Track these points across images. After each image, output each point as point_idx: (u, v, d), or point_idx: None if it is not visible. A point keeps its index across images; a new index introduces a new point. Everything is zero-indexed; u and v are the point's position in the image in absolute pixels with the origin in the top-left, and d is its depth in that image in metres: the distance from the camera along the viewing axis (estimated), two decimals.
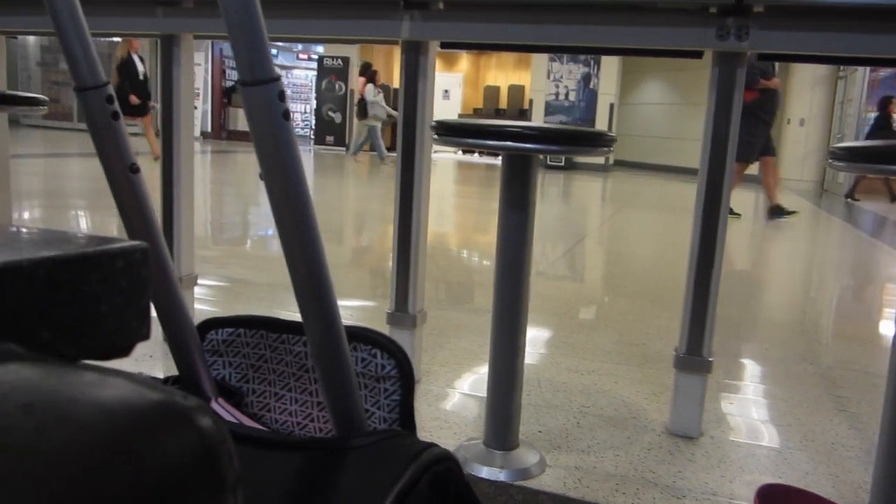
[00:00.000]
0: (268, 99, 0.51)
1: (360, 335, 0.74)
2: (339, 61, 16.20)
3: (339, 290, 3.23)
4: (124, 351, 0.36)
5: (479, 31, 2.04)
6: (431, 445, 0.61)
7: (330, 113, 16.47)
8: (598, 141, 1.54)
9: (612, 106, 15.02)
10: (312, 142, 17.17)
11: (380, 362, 0.73)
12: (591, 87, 15.05)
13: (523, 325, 1.69)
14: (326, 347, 0.59)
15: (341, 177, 11.14)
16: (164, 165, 2.41)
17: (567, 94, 15.15)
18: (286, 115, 0.52)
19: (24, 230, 0.39)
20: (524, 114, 16.51)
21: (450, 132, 1.60)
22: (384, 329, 2.28)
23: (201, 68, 16.20)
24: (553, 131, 1.54)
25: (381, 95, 13.01)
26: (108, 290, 0.35)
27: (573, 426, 2.02)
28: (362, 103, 13.03)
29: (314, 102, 17.37)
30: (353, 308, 3.19)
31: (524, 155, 1.58)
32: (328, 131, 16.54)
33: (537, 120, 15.07)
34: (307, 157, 15.23)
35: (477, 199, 8.78)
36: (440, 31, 2.06)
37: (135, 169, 0.67)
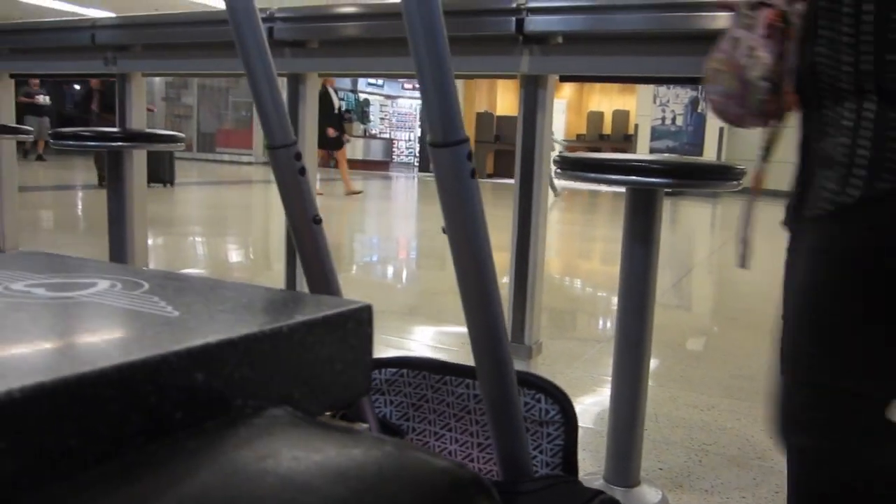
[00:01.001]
0: (457, 159, 0.54)
1: (524, 380, 0.76)
2: None
3: (445, 317, 3.27)
4: (349, 405, 0.39)
5: (598, 64, 2.05)
6: (599, 493, 0.62)
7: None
8: (728, 175, 1.52)
9: (721, 130, 14.60)
10: (416, 169, 17.48)
11: (544, 407, 0.75)
12: (699, 111, 14.68)
13: (647, 360, 1.67)
14: (498, 393, 0.61)
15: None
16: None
17: (674, 119, 14.84)
18: (473, 173, 0.55)
19: (260, 292, 0.43)
20: (629, 139, 16.26)
21: (573, 166, 1.61)
22: None
23: None
24: (680, 165, 1.53)
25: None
26: (342, 348, 0.38)
27: (695, 464, 1.97)
28: None
29: (418, 130, 17.70)
30: (462, 336, 3.22)
31: (649, 189, 1.57)
32: None
33: (642, 145, 14.81)
34: (412, 183, 15.51)
35: (581, 226, 8.70)
36: (559, 65, 2.08)
37: (317, 220, 0.72)
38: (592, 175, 1.58)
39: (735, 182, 1.53)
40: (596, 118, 18.40)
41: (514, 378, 0.62)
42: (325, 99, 9.84)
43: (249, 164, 17.52)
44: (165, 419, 0.31)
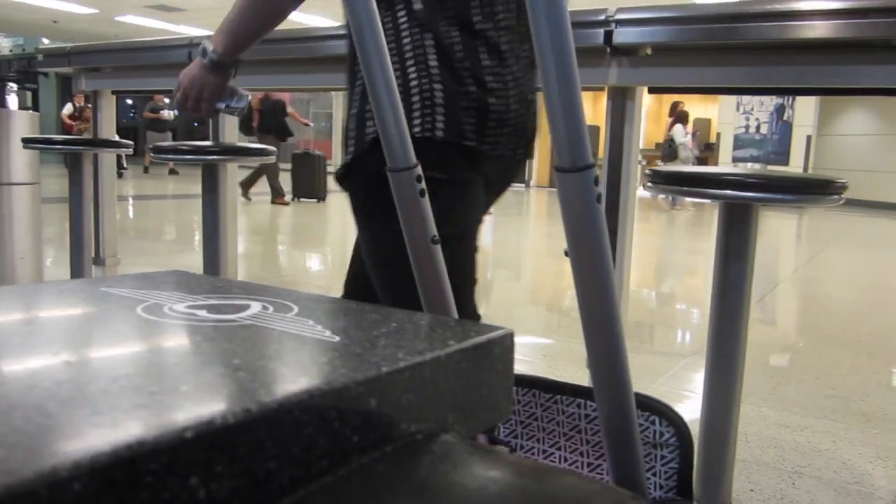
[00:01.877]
0: (584, 184, 0.54)
1: (639, 402, 0.75)
2: None
3: (523, 328, 3.25)
4: (491, 430, 0.41)
5: (687, 76, 2.03)
6: None
7: None
8: (829, 189, 1.47)
9: (808, 138, 14.09)
10: None
11: (658, 429, 0.74)
12: (784, 118, 14.22)
13: (740, 378, 1.63)
14: (616, 415, 0.61)
15: (520, 214, 11.24)
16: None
17: (758, 127, 14.41)
18: (599, 198, 0.56)
19: (404, 316, 0.45)
20: (710, 148, 15.86)
21: (665, 180, 1.59)
22: (584, 374, 2.27)
23: None
24: (778, 179, 1.49)
25: (690, 137, 11.85)
26: (490, 373, 0.40)
27: (788, 487, 1.90)
28: (669, 144, 11.87)
29: None
30: (540, 347, 3.21)
31: (745, 204, 1.54)
32: None
33: (725, 155, 14.43)
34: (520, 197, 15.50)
35: (657, 237, 8.53)
36: (648, 77, 2.06)
37: (435, 241, 0.74)
38: (686, 189, 1.55)
39: (836, 197, 1.48)
40: None
41: (633, 400, 0.62)
42: None
43: (329, 173, 17.85)
44: (345, 443, 0.33)
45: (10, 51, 22.84)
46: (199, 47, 1.42)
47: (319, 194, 10.49)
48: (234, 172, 3.06)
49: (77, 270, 3.00)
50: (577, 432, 0.79)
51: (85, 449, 0.25)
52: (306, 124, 12.33)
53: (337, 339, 0.40)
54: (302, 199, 10.49)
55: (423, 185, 0.72)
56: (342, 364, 0.36)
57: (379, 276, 1.22)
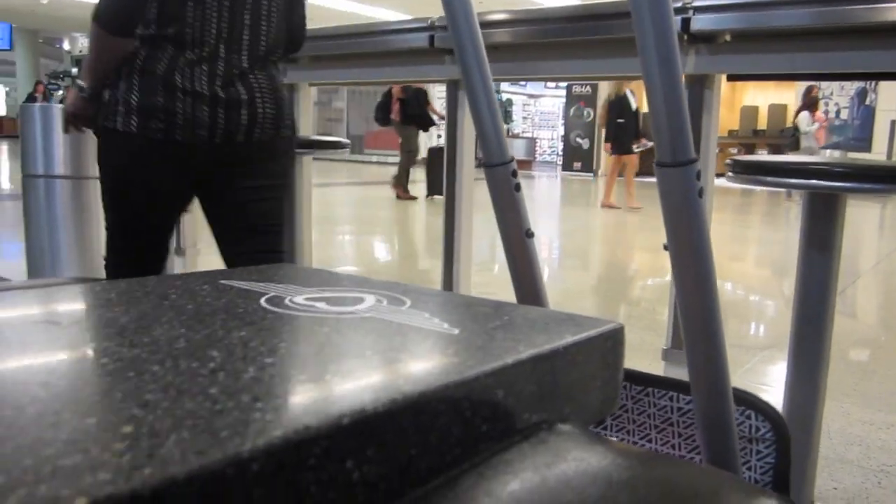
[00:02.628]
0: (687, 179, 0.54)
1: (735, 396, 0.75)
2: (588, 88, 16.24)
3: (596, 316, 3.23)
4: (600, 422, 0.42)
5: (767, 62, 1.97)
6: None
7: (577, 139, 16.55)
8: None
9: (893, 123, 13.49)
10: (560, 168, 17.35)
11: (754, 423, 0.74)
12: (867, 103, 13.65)
13: (824, 372, 1.59)
14: (713, 409, 0.61)
15: (587, 205, 11.11)
16: (448, 198, 2.59)
17: (838, 113, 13.87)
18: (700, 193, 0.56)
19: (513, 308, 0.46)
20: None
21: (747, 170, 1.56)
22: (658, 365, 2.25)
23: None
24: (866, 168, 1.44)
25: (817, 126, 11.21)
26: (601, 366, 0.41)
27: (874, 486, 1.85)
28: (793, 133, 11.45)
29: (561, 129, 17.56)
30: None
31: (830, 194, 1.49)
32: (575, 157, 16.64)
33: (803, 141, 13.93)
34: (554, 182, 15.41)
35: (731, 227, 8.32)
36: (726, 64, 2.02)
37: (529, 234, 0.75)
38: (769, 179, 1.52)
39: None
40: (750, 113, 17.51)
41: (731, 395, 0.61)
42: (621, 102, 9.29)
43: (395, 164, 18.01)
44: (476, 432, 0.34)
45: (80, 52, 23.79)
46: (78, 87, 1.79)
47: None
48: (309, 164, 3.12)
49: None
50: (668, 425, 0.79)
51: (259, 433, 0.28)
52: (442, 117, 12.14)
53: (456, 331, 0.42)
54: (436, 197, 9.27)
55: (517, 179, 0.74)
56: (469, 356, 0.37)
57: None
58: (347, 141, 2.69)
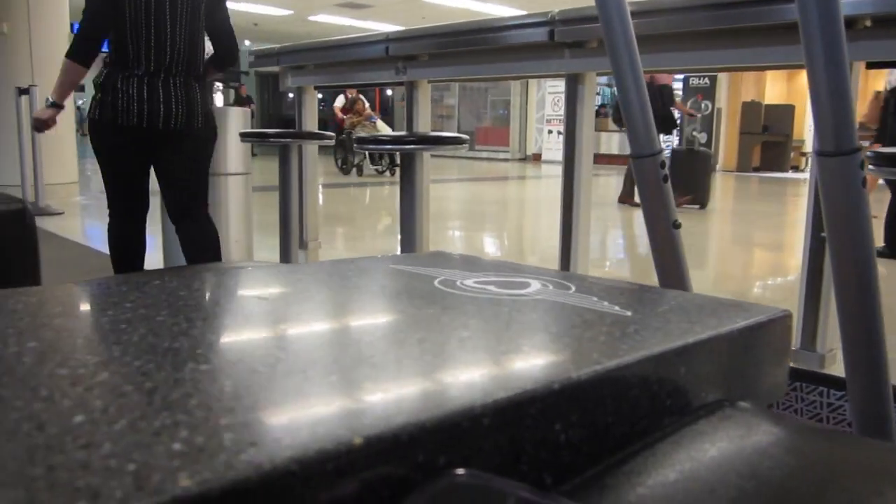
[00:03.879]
0: (850, 169, 0.53)
1: None
2: (706, 80, 15.68)
3: None
4: (770, 405, 0.42)
5: None
6: None
7: (694, 133, 16.02)
8: None
9: None
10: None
11: None
12: None
13: None
14: (871, 405, 0.60)
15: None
16: (565, 193, 2.59)
17: None
18: (864, 182, 0.54)
19: (677, 295, 0.48)
20: None
21: (889, 162, 1.48)
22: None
23: None
24: None
25: None
26: (770, 351, 0.41)
27: None
28: None
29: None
30: None
31: None
32: None
33: None
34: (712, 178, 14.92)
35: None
36: (866, 51, 1.92)
37: (676, 225, 0.76)
38: None
39: None
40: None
41: (890, 392, 0.60)
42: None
43: (506, 160, 18.06)
44: (661, 406, 0.36)
45: None
46: (47, 100, 2.99)
47: (702, 199, 8.30)
48: (426, 161, 3.18)
49: (286, 253, 3.27)
50: (817, 420, 0.77)
51: (487, 392, 0.30)
52: (692, 115, 10.77)
53: (629, 313, 0.43)
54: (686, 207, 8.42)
55: (666, 171, 0.74)
56: (650, 335, 0.39)
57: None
58: (466, 137, 2.73)
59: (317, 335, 0.40)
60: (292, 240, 3.29)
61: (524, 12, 2.75)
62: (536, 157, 17.56)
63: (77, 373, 0.31)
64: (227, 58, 2.99)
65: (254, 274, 0.51)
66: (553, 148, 17.39)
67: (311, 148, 3.92)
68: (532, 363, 0.36)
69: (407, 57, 3.15)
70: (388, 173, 11.64)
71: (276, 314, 0.44)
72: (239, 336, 0.39)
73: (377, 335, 0.39)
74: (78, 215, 7.13)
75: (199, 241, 2.95)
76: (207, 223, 2.98)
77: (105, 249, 3.27)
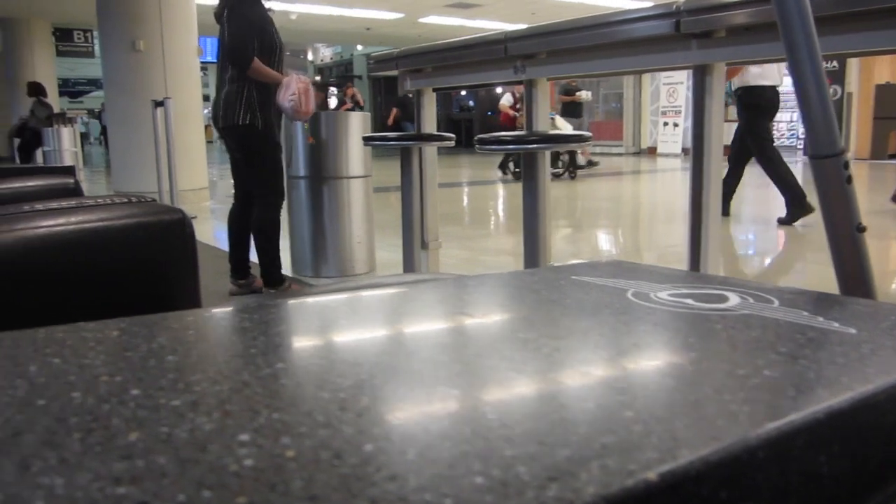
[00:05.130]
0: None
1: None
2: (834, 63, 14.81)
3: None
4: None
5: None
6: None
7: None
8: None
9: None
10: (801, 152, 16.01)
11: None
12: None
13: None
14: None
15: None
16: (694, 189, 2.50)
17: None
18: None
19: (865, 305, 0.45)
20: None
21: None
22: None
23: (683, 86, 16.38)
24: None
25: None
26: None
27: None
28: None
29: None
30: None
31: None
32: None
33: None
34: (797, 169, 14.20)
35: None
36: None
37: (861, 229, 0.72)
38: None
39: None
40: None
41: None
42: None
43: (619, 154, 17.70)
44: None
45: (331, 58, 25.79)
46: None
47: None
48: (544, 158, 3.16)
49: (408, 254, 3.33)
50: None
51: (756, 423, 0.30)
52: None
53: (853, 331, 0.41)
54: None
55: (850, 171, 0.70)
56: (892, 356, 0.37)
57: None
58: (589, 135, 2.69)
59: (556, 359, 0.39)
60: (415, 240, 3.34)
61: (642, 4, 2.69)
62: (651, 151, 17.10)
63: (338, 396, 0.32)
64: (230, 57, 3.53)
65: (447, 288, 0.51)
66: (669, 140, 16.88)
67: (430, 150, 3.97)
68: (786, 390, 0.34)
69: (525, 55, 3.14)
70: (567, 175, 10.75)
71: (501, 333, 0.43)
72: (483, 358, 0.38)
73: (612, 360, 0.38)
74: (210, 219, 7.54)
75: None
76: (257, 211, 3.65)
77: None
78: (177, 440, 0.27)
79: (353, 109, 14.30)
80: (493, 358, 0.38)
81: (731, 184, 6.35)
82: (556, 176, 10.68)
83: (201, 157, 10.09)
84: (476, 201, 9.29)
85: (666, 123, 16.78)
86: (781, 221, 6.13)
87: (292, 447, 0.27)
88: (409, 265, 3.32)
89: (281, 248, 3.75)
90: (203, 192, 9.72)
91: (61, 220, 1.28)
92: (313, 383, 0.33)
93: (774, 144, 6.45)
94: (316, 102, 3.72)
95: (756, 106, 6.19)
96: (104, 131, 23.05)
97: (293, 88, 3.57)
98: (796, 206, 5.97)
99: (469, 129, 19.11)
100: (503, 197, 9.58)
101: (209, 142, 11.29)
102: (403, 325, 0.44)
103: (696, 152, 2.51)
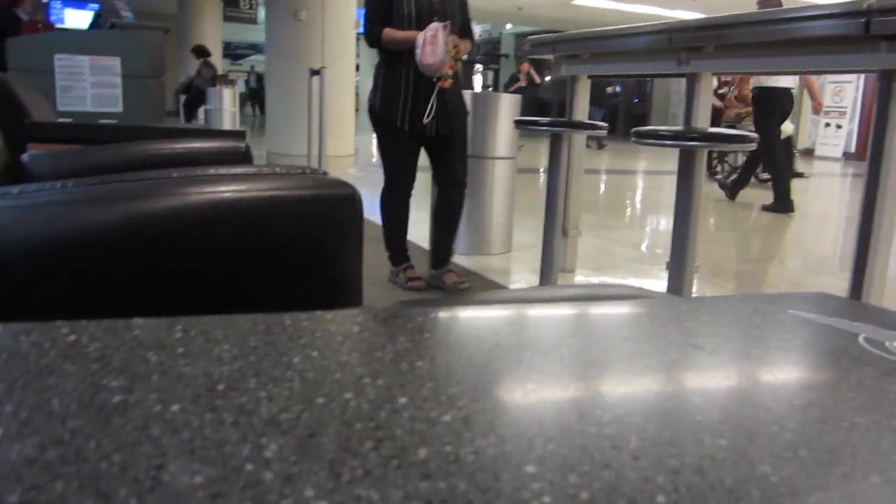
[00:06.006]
0: None
1: None
2: None
3: None
4: None
5: None
6: None
7: None
8: None
9: None
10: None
11: None
12: None
13: None
14: None
15: None
16: (867, 200, 2.34)
17: None
18: None
19: None
20: None
21: None
22: None
23: (851, 86, 15.23)
24: None
25: None
26: None
27: None
28: None
29: None
30: None
31: None
32: None
33: None
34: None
35: None
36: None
37: None
38: None
39: None
40: None
41: None
42: None
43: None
44: None
45: (480, 36, 25.82)
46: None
47: None
48: (700, 157, 3.05)
49: (548, 241, 3.31)
50: None
51: None
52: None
53: None
54: None
55: None
56: None
57: None
58: (755, 135, 2.56)
59: (822, 417, 0.37)
60: (556, 227, 3.32)
61: (824, 1, 2.52)
62: (809, 152, 16.07)
63: (605, 432, 0.32)
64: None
65: (661, 310, 0.50)
66: (829, 143, 15.78)
67: (578, 137, 3.92)
68: None
69: (691, 48, 3.02)
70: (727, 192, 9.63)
71: (747, 376, 0.41)
72: (744, 407, 0.36)
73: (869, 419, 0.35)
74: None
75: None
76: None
77: (373, 219, 3.56)
78: (466, 463, 0.28)
79: (526, 89, 13.16)
80: (752, 408, 0.35)
81: (747, 172, 7.45)
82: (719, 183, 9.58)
83: (349, 125, 10.43)
84: (615, 190, 9.09)
85: (828, 124, 15.68)
86: (765, 208, 6.98)
87: (584, 488, 0.27)
88: (548, 252, 3.30)
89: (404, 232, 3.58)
90: (348, 158, 10.06)
91: (243, 187, 1.35)
92: (575, 413, 0.33)
93: (781, 146, 7.18)
94: (450, 48, 3.19)
95: (763, 105, 6.84)
96: (252, 94, 24.14)
97: (419, 41, 3.15)
98: (780, 201, 6.82)
99: (613, 115, 18.68)
100: (643, 189, 9.32)
101: (357, 110, 11.61)
102: (638, 355, 0.43)
103: (874, 164, 2.34)
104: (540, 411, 0.33)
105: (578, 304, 0.63)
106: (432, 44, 3.12)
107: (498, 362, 0.40)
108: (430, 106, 3.26)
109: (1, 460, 0.25)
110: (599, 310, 0.54)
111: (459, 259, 3.94)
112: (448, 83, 3.30)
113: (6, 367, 0.34)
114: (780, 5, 5.91)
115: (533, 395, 0.36)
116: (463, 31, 3.47)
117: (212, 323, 0.42)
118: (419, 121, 3.28)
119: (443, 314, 0.46)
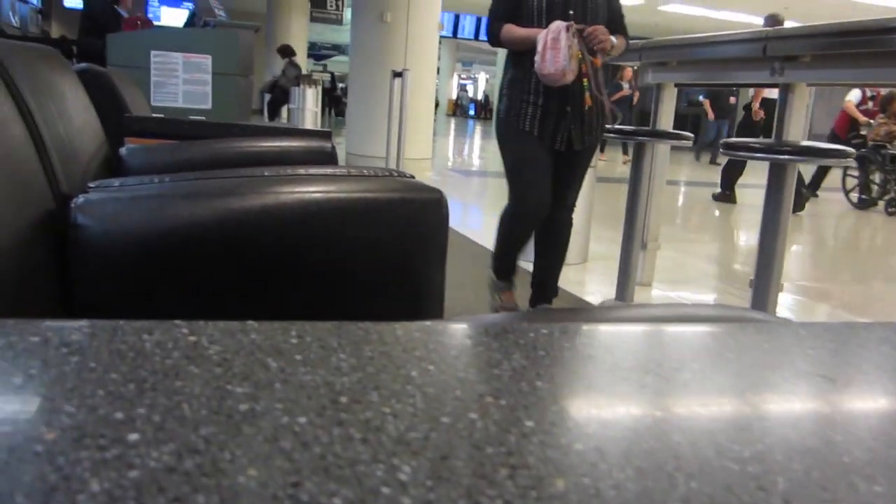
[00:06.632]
0: None
1: None
2: None
3: None
4: None
5: None
6: None
7: None
8: None
9: None
10: None
11: None
12: None
13: None
14: None
15: None
16: None
17: None
18: None
19: None
20: None
21: None
22: None
23: None
24: None
25: None
26: None
27: None
28: None
29: None
30: None
31: None
32: None
33: None
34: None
35: None
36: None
37: None
38: None
39: None
40: None
41: None
42: None
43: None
44: None
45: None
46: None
47: None
48: (793, 171, 2.94)
49: (626, 252, 3.25)
50: None
51: None
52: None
53: None
54: None
55: None
56: None
57: None
58: (850, 150, 2.45)
59: None
60: (636, 238, 3.25)
61: None
62: None
63: (747, 470, 0.30)
64: None
65: (779, 335, 0.48)
66: None
67: (662, 147, 3.83)
68: None
69: (787, 57, 2.92)
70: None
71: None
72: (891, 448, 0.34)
73: None
74: None
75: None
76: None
77: (453, 225, 3.53)
78: (607, 498, 0.27)
79: (630, 98, 12.38)
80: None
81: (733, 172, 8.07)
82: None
83: (428, 128, 10.50)
84: (695, 203, 8.87)
85: None
86: (715, 197, 8.22)
87: None
88: (625, 264, 3.23)
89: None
90: (426, 161, 10.12)
91: (332, 188, 1.36)
92: (712, 447, 0.31)
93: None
94: (574, 52, 2.61)
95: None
96: (324, 94, 24.53)
97: (539, 45, 2.62)
98: (725, 191, 8.10)
99: (696, 125, 18.25)
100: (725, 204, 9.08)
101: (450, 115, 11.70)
102: (765, 384, 0.41)
103: None
104: (674, 442, 0.32)
105: (693, 325, 0.61)
106: (553, 48, 2.57)
107: (620, 385, 0.38)
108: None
109: (141, 466, 0.25)
110: (717, 332, 0.51)
111: (529, 266, 3.90)
112: (588, 99, 2.77)
113: (135, 368, 0.34)
114: (782, 23, 6.18)
115: (663, 423, 0.35)
116: (613, 26, 2.89)
117: (325, 329, 0.41)
118: (549, 131, 2.77)
119: (556, 330, 0.44)
